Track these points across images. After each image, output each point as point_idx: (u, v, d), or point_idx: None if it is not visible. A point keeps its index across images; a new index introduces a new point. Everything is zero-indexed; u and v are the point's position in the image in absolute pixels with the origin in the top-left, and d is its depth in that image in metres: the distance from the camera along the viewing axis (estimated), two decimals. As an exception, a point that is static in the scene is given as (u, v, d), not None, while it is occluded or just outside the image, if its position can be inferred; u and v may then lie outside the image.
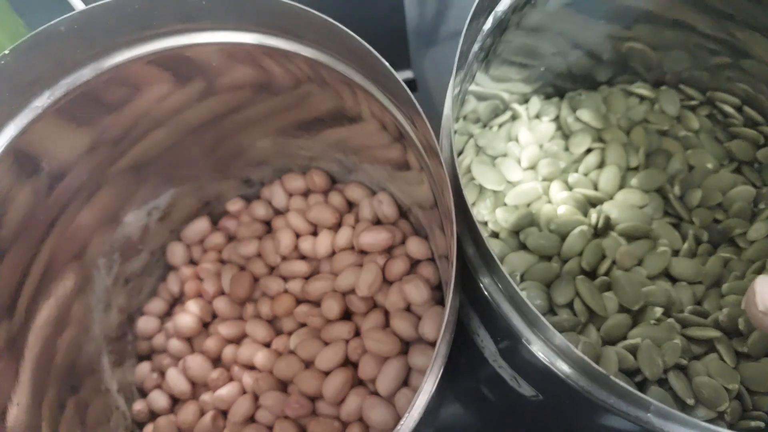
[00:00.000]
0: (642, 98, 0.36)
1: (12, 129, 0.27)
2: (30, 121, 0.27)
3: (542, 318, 0.20)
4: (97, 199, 0.33)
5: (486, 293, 0.22)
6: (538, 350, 0.22)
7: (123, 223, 0.36)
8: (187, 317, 0.37)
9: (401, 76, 0.39)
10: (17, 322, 0.30)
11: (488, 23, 0.26)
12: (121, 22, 0.26)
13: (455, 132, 0.23)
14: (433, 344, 0.31)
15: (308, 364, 0.33)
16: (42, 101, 0.27)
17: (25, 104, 0.27)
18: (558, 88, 0.37)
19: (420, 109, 0.22)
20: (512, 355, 0.26)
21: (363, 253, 0.35)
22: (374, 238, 0.34)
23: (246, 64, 0.29)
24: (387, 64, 0.23)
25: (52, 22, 0.24)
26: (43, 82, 0.27)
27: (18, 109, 0.27)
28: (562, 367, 0.22)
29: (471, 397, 0.42)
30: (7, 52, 0.24)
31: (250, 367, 0.35)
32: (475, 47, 0.25)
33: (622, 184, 0.33)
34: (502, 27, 0.27)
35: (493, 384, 0.36)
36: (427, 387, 0.21)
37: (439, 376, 0.23)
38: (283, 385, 0.34)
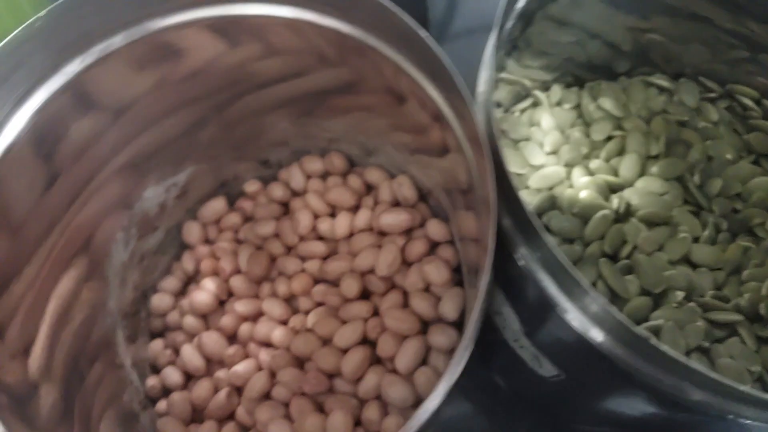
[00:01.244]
0: (661, 89, 0.36)
1: (42, 94, 0.27)
2: (60, 87, 0.27)
3: (585, 281, 0.20)
4: (120, 172, 0.33)
5: (521, 264, 0.23)
6: (573, 318, 0.22)
7: (142, 198, 0.36)
8: (204, 294, 0.37)
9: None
10: (46, 264, 0.30)
11: (516, 10, 0.26)
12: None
13: (492, 116, 0.23)
14: (453, 324, 0.32)
15: (326, 343, 0.33)
16: (73, 67, 0.27)
17: (56, 69, 0.27)
18: (577, 77, 0.38)
19: (461, 86, 0.23)
20: (539, 331, 0.26)
21: (382, 234, 0.36)
22: (395, 219, 0.34)
23: (286, 38, 0.29)
24: (434, 45, 0.23)
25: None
26: (75, 48, 0.27)
27: (49, 73, 0.27)
28: (596, 336, 0.22)
29: (481, 390, 0.42)
30: (43, 14, 0.24)
31: (267, 345, 0.35)
32: (504, 33, 0.25)
33: (643, 172, 0.33)
34: (528, 15, 0.27)
35: (509, 369, 0.36)
36: (455, 367, 0.21)
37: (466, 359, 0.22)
38: (300, 363, 0.34)
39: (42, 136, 0.27)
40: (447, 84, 0.24)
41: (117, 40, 0.27)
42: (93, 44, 0.27)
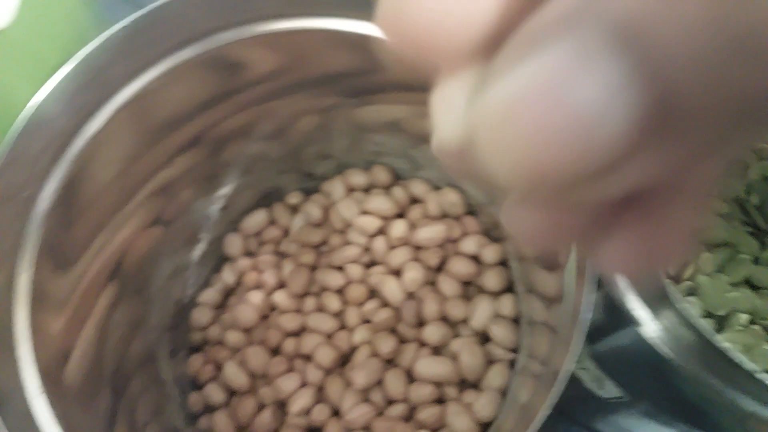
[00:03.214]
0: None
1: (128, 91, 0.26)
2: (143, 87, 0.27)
3: (673, 288, 0.20)
4: (181, 183, 0.33)
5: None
6: (651, 332, 0.22)
7: (190, 211, 0.35)
8: (248, 309, 0.36)
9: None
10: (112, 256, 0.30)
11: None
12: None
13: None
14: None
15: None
16: (140, 82, 0.27)
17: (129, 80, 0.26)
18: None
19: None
20: (606, 352, 0.26)
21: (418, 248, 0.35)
22: (429, 233, 0.34)
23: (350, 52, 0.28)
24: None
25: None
26: (148, 60, 0.26)
27: (136, 73, 0.26)
28: (675, 353, 0.21)
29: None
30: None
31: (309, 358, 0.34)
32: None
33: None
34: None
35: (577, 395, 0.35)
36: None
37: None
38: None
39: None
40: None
41: (186, 53, 0.27)
42: (164, 57, 0.27)
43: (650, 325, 0.22)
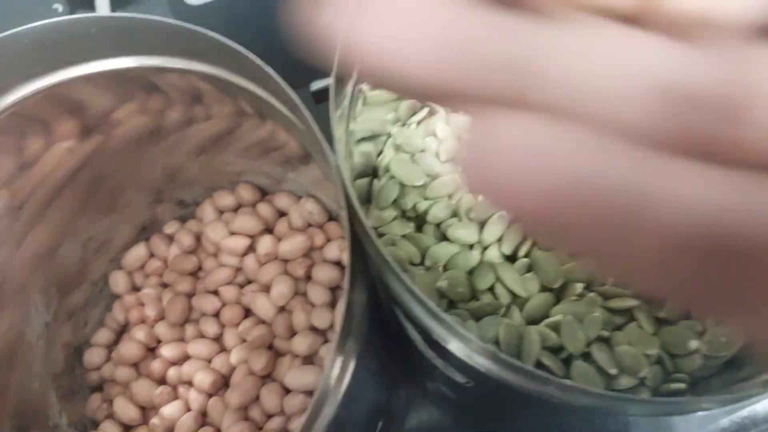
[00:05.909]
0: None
1: None
2: None
3: (434, 306, 0.20)
4: (29, 239, 0.33)
5: (395, 292, 0.23)
6: (455, 349, 0.22)
7: (58, 256, 0.36)
8: (132, 344, 0.37)
9: (321, 83, 0.39)
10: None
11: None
12: (14, 58, 0.26)
13: (341, 139, 0.24)
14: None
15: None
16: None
17: None
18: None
19: (304, 113, 0.23)
20: (435, 346, 0.27)
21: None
22: (290, 245, 0.35)
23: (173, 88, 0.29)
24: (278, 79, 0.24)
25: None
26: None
27: None
28: (479, 361, 0.22)
29: (438, 396, 0.42)
30: None
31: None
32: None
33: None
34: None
35: (434, 377, 0.36)
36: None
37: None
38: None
39: None
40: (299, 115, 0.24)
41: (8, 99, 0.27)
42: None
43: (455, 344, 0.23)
